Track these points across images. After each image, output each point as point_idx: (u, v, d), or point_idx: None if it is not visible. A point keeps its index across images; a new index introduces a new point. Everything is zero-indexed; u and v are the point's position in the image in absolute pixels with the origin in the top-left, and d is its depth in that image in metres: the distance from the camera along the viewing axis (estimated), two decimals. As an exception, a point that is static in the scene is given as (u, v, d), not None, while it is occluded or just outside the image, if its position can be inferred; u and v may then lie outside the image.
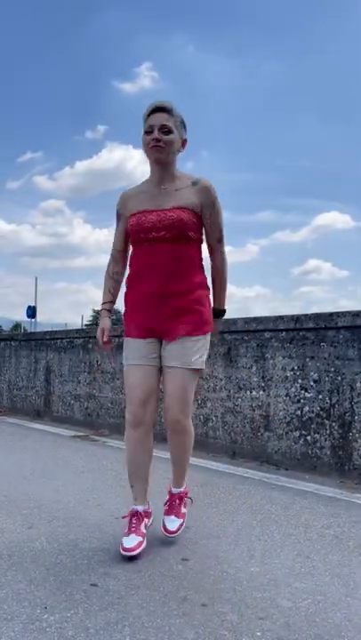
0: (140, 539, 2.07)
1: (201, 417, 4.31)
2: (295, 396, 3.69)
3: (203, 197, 2.12)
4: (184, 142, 2.15)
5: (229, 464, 3.82)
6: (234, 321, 4.11)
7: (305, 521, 2.53)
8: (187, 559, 2.04)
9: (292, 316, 3.77)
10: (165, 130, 2.06)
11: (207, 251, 2.22)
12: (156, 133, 2.05)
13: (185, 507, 2.30)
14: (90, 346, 5.73)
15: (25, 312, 27.89)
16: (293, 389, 3.70)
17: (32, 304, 28.48)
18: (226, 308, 2.34)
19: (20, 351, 6.95)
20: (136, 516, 2.14)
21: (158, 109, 2.07)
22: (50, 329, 9.19)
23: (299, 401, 3.66)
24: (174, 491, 2.31)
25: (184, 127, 2.14)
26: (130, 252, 2.23)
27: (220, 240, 2.21)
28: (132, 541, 2.04)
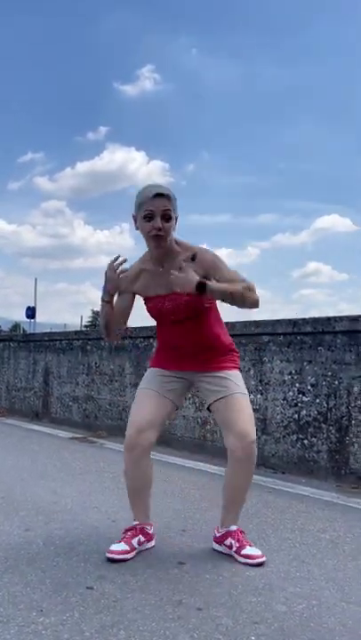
0: (127, 547, 2.08)
1: (199, 420, 4.32)
2: (293, 399, 3.70)
3: (205, 267, 2.07)
4: (176, 220, 2.11)
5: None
6: (232, 324, 4.12)
7: (301, 525, 2.54)
8: (182, 563, 2.04)
9: (290, 319, 3.78)
10: (167, 217, 2.04)
11: None
12: (158, 222, 2.02)
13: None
14: (88, 347, 5.74)
15: (24, 312, 27.88)
16: (291, 393, 3.71)
17: (31, 304, 28.47)
18: (215, 287, 2.02)
19: (19, 352, 6.96)
20: (131, 530, 2.15)
21: (158, 195, 2.02)
22: (49, 329, 9.20)
23: (296, 405, 3.67)
24: (233, 528, 2.15)
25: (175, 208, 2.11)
26: (156, 324, 2.27)
27: (249, 288, 2.07)
28: (118, 546, 2.07)
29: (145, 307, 2.22)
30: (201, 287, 1.95)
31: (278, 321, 3.84)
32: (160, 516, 2.61)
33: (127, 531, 2.15)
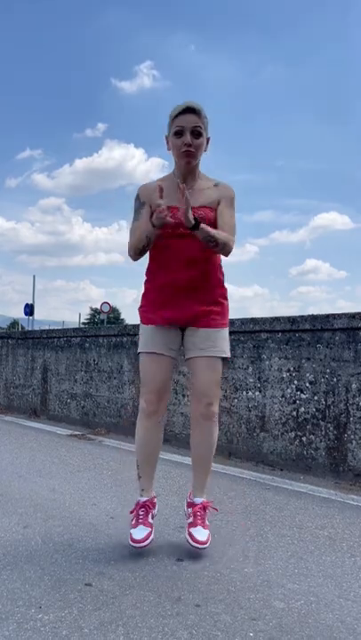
0: (149, 529, 2.10)
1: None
2: (291, 397, 3.70)
3: (222, 193, 2.17)
4: (208, 141, 2.17)
5: (225, 464, 3.83)
6: (231, 321, 4.12)
7: (299, 522, 2.54)
8: (181, 559, 2.05)
9: (289, 317, 3.78)
10: (196, 133, 2.08)
11: None
12: (187, 137, 2.07)
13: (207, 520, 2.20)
14: (87, 345, 5.74)
15: (22, 310, 27.86)
16: (289, 390, 3.72)
17: (30, 302, 28.44)
18: (202, 227, 2.03)
19: (17, 349, 6.95)
20: (143, 507, 2.15)
21: (189, 110, 2.07)
22: (47, 327, 9.17)
23: (294, 402, 3.68)
24: (197, 500, 2.20)
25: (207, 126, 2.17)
26: (150, 249, 2.21)
27: (231, 233, 2.12)
28: (141, 532, 2.07)
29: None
30: (195, 223, 1.99)
31: (277, 318, 3.85)
32: (158, 512, 2.61)
33: (139, 509, 2.15)
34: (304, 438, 3.61)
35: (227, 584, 1.84)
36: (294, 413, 3.67)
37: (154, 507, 2.20)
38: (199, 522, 2.13)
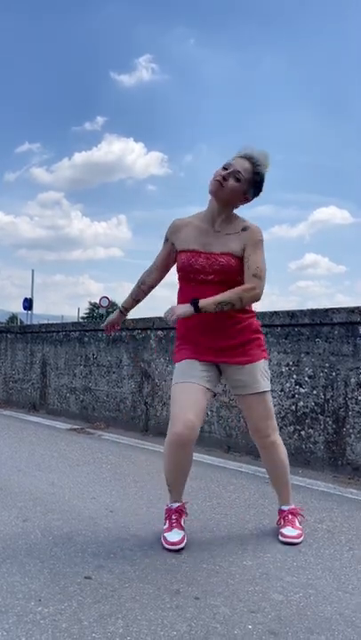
0: (183, 532, 2.15)
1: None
2: (290, 391, 3.71)
3: (247, 238, 2.13)
4: (246, 199, 2.17)
5: (224, 458, 3.84)
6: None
7: (298, 515, 2.55)
8: (180, 553, 2.05)
9: (288, 311, 3.78)
10: (237, 176, 2.09)
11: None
12: (227, 172, 2.09)
13: (300, 524, 2.30)
14: (86, 339, 5.73)
15: (21, 304, 27.83)
16: (288, 384, 3.72)
17: (29, 296, 28.41)
18: (202, 306, 2.07)
19: (16, 344, 6.95)
20: (176, 511, 2.20)
21: (247, 157, 2.12)
22: (46, 321, 9.18)
23: (293, 396, 3.68)
24: (284, 507, 2.31)
25: (257, 187, 2.16)
26: (178, 289, 2.23)
27: (255, 275, 2.09)
28: (176, 535, 2.11)
29: (177, 260, 2.22)
30: (195, 307, 2.04)
31: (276, 312, 3.85)
32: (157, 506, 2.62)
33: (171, 514, 2.20)
34: (303, 432, 3.61)
35: (226, 577, 1.85)
36: (293, 407, 3.68)
37: (185, 513, 2.26)
38: (288, 524, 2.25)
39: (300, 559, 2.03)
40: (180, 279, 2.21)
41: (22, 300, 27.64)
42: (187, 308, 2.06)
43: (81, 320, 37.96)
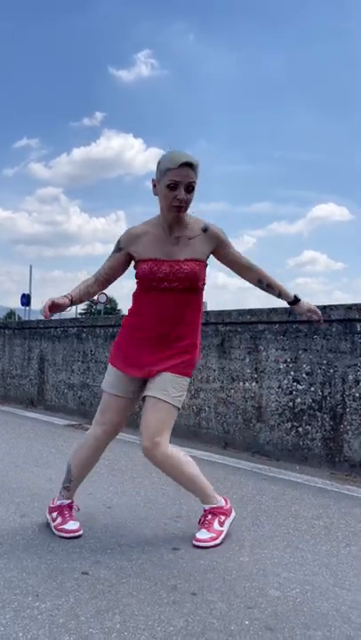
0: (79, 523, 2.22)
1: (194, 407, 4.33)
2: (287, 387, 3.71)
3: (215, 242, 2.16)
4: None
5: (221, 454, 3.84)
6: (228, 312, 4.12)
7: (295, 512, 2.56)
8: (177, 548, 2.06)
9: (286, 308, 3.77)
10: (190, 188, 2.04)
11: (244, 269, 2.25)
12: (182, 193, 2.01)
13: (221, 524, 2.19)
14: (84, 335, 5.73)
15: (19, 300, 27.81)
16: (286, 381, 3.73)
17: (26, 292, 28.39)
18: (294, 295, 2.31)
19: (14, 339, 6.95)
20: (68, 507, 2.27)
21: (186, 164, 2.00)
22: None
23: (291, 393, 3.69)
24: (206, 507, 2.23)
25: None
26: (135, 291, 2.22)
27: (247, 261, 2.24)
28: (73, 525, 2.20)
29: (136, 270, 2.17)
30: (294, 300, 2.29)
31: (274, 309, 3.84)
32: (155, 502, 2.63)
33: (65, 508, 2.25)
34: (300, 429, 3.62)
35: (223, 573, 1.86)
36: (291, 404, 3.68)
37: (76, 507, 2.31)
38: (203, 526, 2.18)
39: (297, 555, 2.03)
40: (139, 286, 2.18)
41: (20, 296, 27.62)
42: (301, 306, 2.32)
43: (79, 316, 37.96)
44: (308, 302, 2.32)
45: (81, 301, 2.31)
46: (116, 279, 2.27)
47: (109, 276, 2.25)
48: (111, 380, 2.23)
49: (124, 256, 2.19)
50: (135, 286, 2.21)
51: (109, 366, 2.25)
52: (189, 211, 2.13)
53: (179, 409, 2.15)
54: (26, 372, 6.65)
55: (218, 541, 2.11)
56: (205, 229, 2.14)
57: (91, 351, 5.61)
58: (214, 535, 2.13)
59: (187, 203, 2.05)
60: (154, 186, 2.10)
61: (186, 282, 2.10)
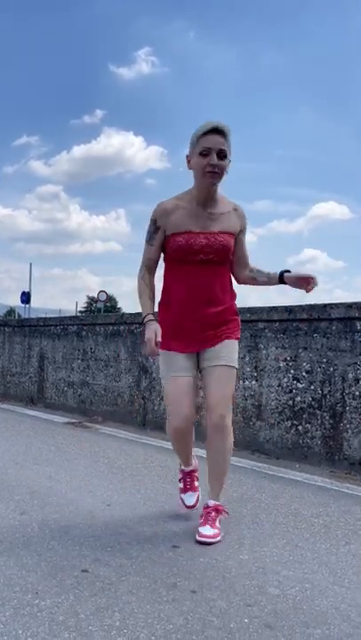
0: (198, 493, 2.40)
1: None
2: (287, 386, 3.71)
3: (242, 222, 2.27)
4: (229, 163, 2.14)
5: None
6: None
7: (295, 510, 2.56)
8: (177, 546, 2.06)
9: (286, 306, 3.78)
10: (223, 154, 2.06)
11: (242, 264, 2.31)
12: (214, 158, 2.05)
13: (219, 523, 2.20)
14: (84, 333, 5.73)
15: (19, 297, 27.79)
16: (286, 380, 3.73)
17: (26, 289, 28.37)
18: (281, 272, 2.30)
19: (14, 337, 6.95)
20: (189, 474, 2.40)
21: (216, 131, 2.04)
22: (44, 315, 9.18)
23: (291, 391, 3.69)
24: (211, 503, 2.22)
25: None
26: (166, 269, 2.26)
27: (248, 258, 2.34)
28: (191, 498, 2.37)
29: (169, 243, 2.18)
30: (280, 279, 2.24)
31: (274, 308, 3.84)
32: (154, 500, 2.63)
33: (186, 475, 2.39)
34: (300, 427, 3.62)
35: (222, 571, 1.86)
36: (291, 402, 3.68)
37: (196, 477, 2.43)
38: (207, 522, 2.17)
39: (297, 553, 2.03)
40: (171, 261, 2.21)
41: (20, 294, 27.60)
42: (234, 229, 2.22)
43: (79, 314, 37.96)
44: (298, 271, 2.24)
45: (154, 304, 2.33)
46: (159, 260, 2.29)
47: (158, 257, 2.27)
48: (165, 363, 2.23)
49: (163, 233, 2.19)
50: (166, 265, 2.24)
51: (162, 353, 2.20)
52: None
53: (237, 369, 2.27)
54: (26, 370, 6.65)
55: (219, 538, 2.12)
56: (236, 209, 2.24)
57: (91, 349, 5.61)
58: (217, 532, 2.14)
59: (221, 169, 2.09)
60: (188, 161, 2.15)
61: (221, 254, 2.16)
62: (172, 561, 1.93)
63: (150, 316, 2.18)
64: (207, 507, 2.22)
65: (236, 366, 2.24)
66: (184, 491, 2.41)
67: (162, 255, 2.26)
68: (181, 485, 2.42)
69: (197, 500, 2.39)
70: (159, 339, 2.10)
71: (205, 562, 1.93)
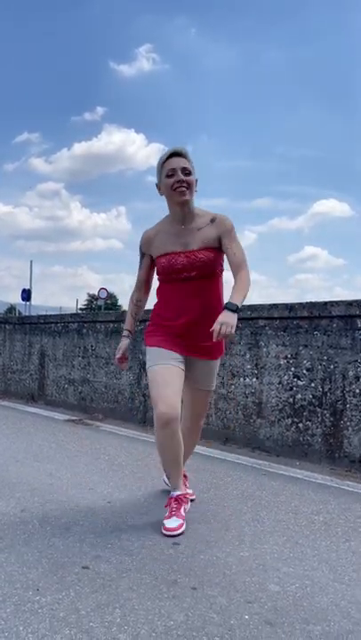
0: (181, 521, 2.21)
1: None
2: (288, 383, 3.71)
3: (220, 229, 2.26)
4: (196, 182, 2.28)
5: (222, 450, 3.85)
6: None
7: (295, 507, 2.56)
8: (177, 543, 2.07)
9: (287, 304, 3.78)
10: (187, 172, 2.22)
11: (232, 271, 2.26)
12: (179, 175, 2.20)
13: (184, 512, 2.29)
14: (84, 330, 5.73)
15: (20, 295, 27.78)
16: (286, 377, 3.73)
17: (27, 287, 28.36)
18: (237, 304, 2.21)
19: (15, 335, 6.95)
20: (175, 500, 2.28)
21: (176, 154, 2.23)
22: (44, 312, 9.19)
23: (291, 389, 3.69)
24: (173, 493, 2.32)
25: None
26: (158, 286, 2.39)
27: (243, 261, 2.25)
28: (172, 523, 2.19)
29: (157, 266, 2.34)
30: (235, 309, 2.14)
31: (275, 305, 3.84)
32: (155, 497, 2.64)
33: (173, 502, 2.27)
34: (300, 425, 3.62)
35: (223, 567, 1.86)
36: (291, 400, 3.69)
37: (186, 502, 2.34)
38: (174, 513, 2.24)
39: (297, 551, 2.04)
40: (161, 281, 2.36)
41: (21, 291, 27.59)
42: (233, 317, 2.06)
43: (79, 311, 38.00)
44: (224, 317, 2.06)
45: (137, 319, 2.53)
46: (152, 279, 2.46)
47: (148, 277, 2.46)
48: (153, 355, 2.29)
49: (148, 258, 2.40)
50: (158, 283, 2.39)
51: (148, 348, 2.32)
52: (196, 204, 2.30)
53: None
54: (26, 368, 6.65)
55: (183, 529, 2.17)
56: (213, 220, 2.28)
57: (91, 346, 5.61)
58: (182, 522, 2.20)
59: (188, 183, 2.20)
60: (158, 189, 2.29)
61: (203, 269, 2.24)
62: (173, 558, 1.93)
63: (125, 332, 2.46)
64: (170, 498, 2.30)
65: (214, 387, 2.47)
66: (168, 517, 2.23)
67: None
68: (167, 512, 2.26)
69: (180, 526, 2.18)
70: (119, 355, 2.40)
71: (206, 559, 1.93)
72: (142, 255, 2.42)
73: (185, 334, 2.27)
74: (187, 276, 2.24)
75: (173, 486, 2.32)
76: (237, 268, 2.23)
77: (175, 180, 2.19)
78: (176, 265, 2.24)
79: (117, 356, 2.41)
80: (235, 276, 2.24)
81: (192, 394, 2.43)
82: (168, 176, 2.21)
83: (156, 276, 2.41)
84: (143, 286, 2.47)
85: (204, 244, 2.24)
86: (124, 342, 2.44)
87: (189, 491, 2.53)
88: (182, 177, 2.19)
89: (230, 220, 2.28)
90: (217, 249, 2.26)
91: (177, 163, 2.21)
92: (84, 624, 1.47)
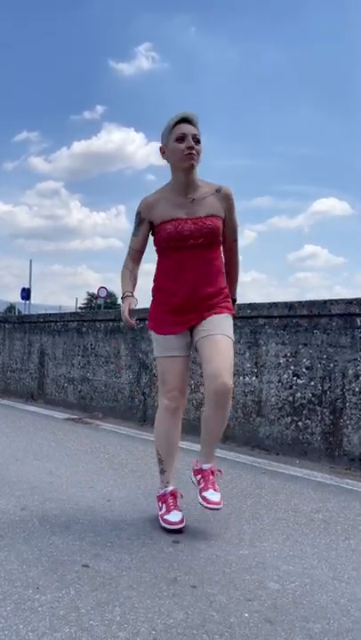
0: (182, 513, 2.21)
1: (194, 401, 4.33)
2: (287, 382, 3.72)
3: (226, 203, 2.27)
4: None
5: (221, 448, 3.84)
6: (228, 307, 4.11)
7: (294, 505, 2.57)
8: (177, 541, 2.07)
9: (286, 302, 3.78)
10: (197, 139, 2.18)
11: (223, 249, 2.33)
12: (190, 141, 2.16)
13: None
14: (84, 329, 5.73)
15: (19, 294, 27.77)
16: (286, 376, 3.73)
17: (26, 286, 28.35)
18: (236, 298, 2.46)
19: (14, 333, 6.95)
20: (171, 495, 2.25)
21: (186, 120, 2.18)
22: (44, 311, 9.19)
23: (291, 387, 3.69)
24: (206, 466, 2.25)
25: None
26: (158, 259, 2.32)
27: (236, 239, 2.35)
28: (175, 516, 2.18)
29: (158, 233, 2.25)
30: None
31: (274, 304, 3.84)
32: (155, 495, 2.63)
33: (168, 497, 2.25)
34: (300, 423, 3.63)
35: (222, 565, 1.86)
36: (291, 398, 3.69)
37: (180, 495, 2.31)
38: (210, 485, 2.20)
39: (297, 548, 2.04)
40: (162, 250, 2.27)
41: (20, 290, 27.58)
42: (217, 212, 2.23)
43: (79, 310, 37.97)
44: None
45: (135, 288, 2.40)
46: (145, 250, 2.37)
47: (142, 248, 2.35)
48: (160, 345, 2.29)
49: (147, 226, 2.29)
50: (157, 256, 2.31)
51: (153, 335, 2.32)
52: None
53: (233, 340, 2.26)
54: (26, 366, 6.65)
55: (184, 524, 2.17)
56: (218, 190, 2.26)
57: (91, 345, 5.61)
58: (220, 496, 2.17)
59: (198, 152, 2.18)
60: (162, 152, 2.24)
61: (210, 236, 2.21)
62: (173, 556, 1.93)
63: (128, 292, 2.29)
64: (205, 470, 2.23)
65: (233, 339, 2.22)
66: (167, 512, 2.20)
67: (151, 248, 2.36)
68: (163, 509, 2.23)
69: (183, 519, 2.18)
70: (133, 306, 2.24)
71: (205, 557, 1.93)
72: (140, 221, 2.29)
73: (187, 307, 2.21)
74: (193, 244, 2.19)
75: (166, 481, 2.28)
76: (230, 246, 2.33)
77: (186, 145, 2.15)
78: (183, 231, 2.18)
79: (125, 313, 2.23)
80: (228, 253, 2.33)
81: (209, 342, 2.16)
82: (178, 140, 2.16)
83: (155, 250, 2.32)
84: (137, 255, 2.35)
85: (210, 212, 2.22)
86: (131, 299, 2.26)
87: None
88: (193, 144, 2.15)
89: (231, 193, 2.29)
90: (221, 218, 2.25)
91: (188, 129, 2.16)
92: (84, 622, 1.47)
